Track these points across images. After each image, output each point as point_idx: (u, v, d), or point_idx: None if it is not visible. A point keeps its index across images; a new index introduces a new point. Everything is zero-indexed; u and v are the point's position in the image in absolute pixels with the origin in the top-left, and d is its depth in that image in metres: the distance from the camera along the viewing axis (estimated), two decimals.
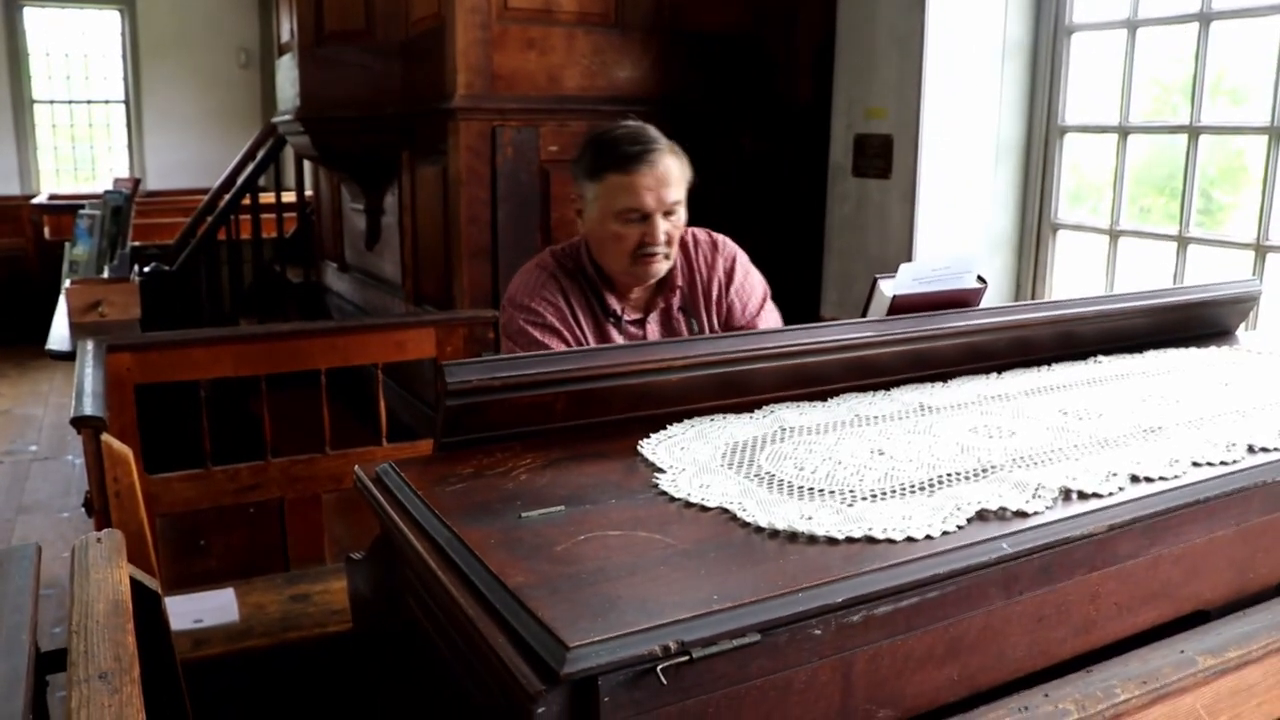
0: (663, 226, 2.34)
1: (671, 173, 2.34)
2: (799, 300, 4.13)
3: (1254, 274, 3.38)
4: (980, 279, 2.21)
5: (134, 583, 1.67)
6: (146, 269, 6.32)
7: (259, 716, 2.76)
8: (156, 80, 11.14)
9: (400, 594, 1.60)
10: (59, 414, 7.09)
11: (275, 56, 5.56)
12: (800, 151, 4.58)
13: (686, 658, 1.10)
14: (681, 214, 2.39)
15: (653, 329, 2.48)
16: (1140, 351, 2.34)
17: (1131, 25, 3.75)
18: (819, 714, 1.24)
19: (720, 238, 2.61)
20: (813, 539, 1.34)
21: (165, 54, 11.08)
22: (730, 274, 2.56)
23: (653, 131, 2.38)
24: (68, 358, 3.49)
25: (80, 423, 2.44)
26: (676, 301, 2.51)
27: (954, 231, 4.01)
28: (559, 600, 1.16)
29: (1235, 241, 3.54)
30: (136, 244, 6.62)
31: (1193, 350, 2.38)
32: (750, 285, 2.58)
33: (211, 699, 2.63)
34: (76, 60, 11.13)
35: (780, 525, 1.37)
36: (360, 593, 1.87)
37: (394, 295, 5.12)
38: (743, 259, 2.60)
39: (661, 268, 2.41)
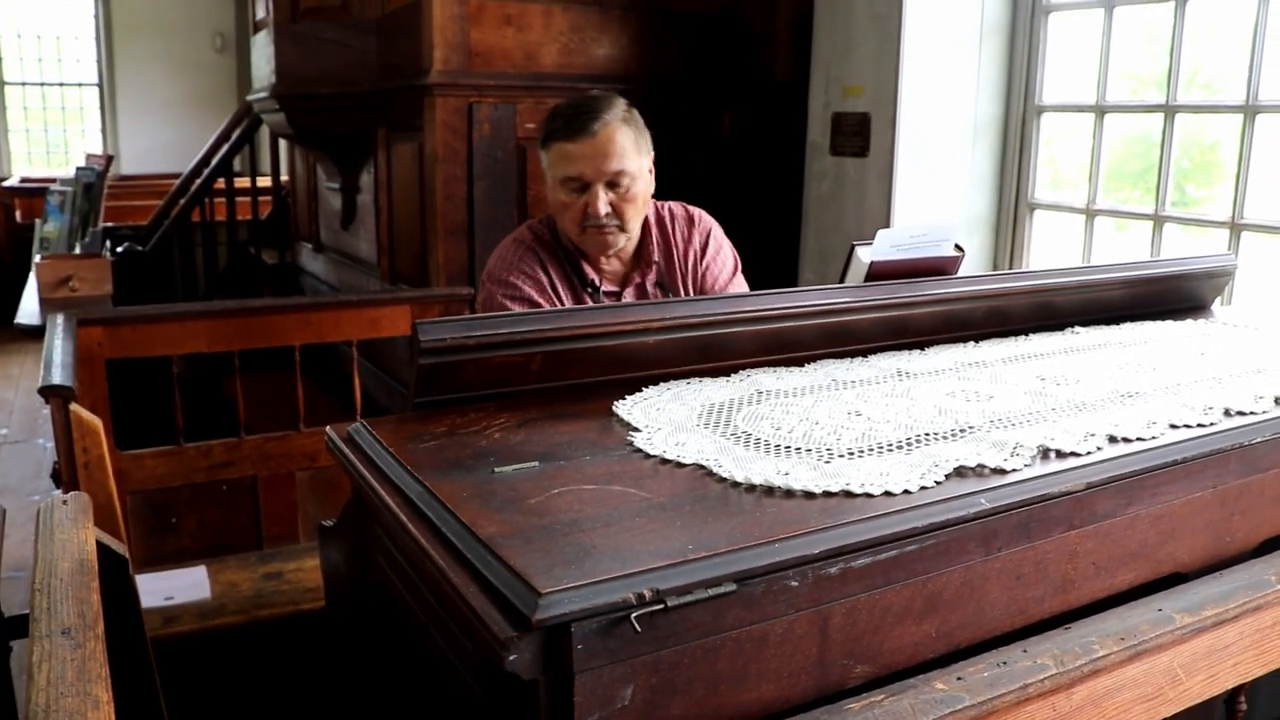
0: (605, 197, 2.30)
1: (614, 143, 2.29)
2: (776, 277, 4.11)
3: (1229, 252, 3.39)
4: (958, 247, 2.20)
5: (101, 547, 1.65)
6: (120, 249, 6.26)
7: (230, 694, 2.74)
8: (130, 63, 11.01)
9: (371, 555, 1.58)
10: (29, 397, 7.01)
11: (251, 38, 5.50)
12: (779, 128, 4.57)
13: (661, 606, 1.09)
14: (634, 187, 2.34)
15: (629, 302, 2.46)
16: (1117, 323, 2.35)
17: (1108, 4, 3.75)
18: (795, 667, 1.23)
19: (696, 211, 2.60)
20: (790, 493, 1.33)
21: (139, 36, 10.95)
22: (705, 246, 2.55)
23: (608, 102, 2.34)
24: (37, 333, 3.44)
25: (49, 392, 2.41)
26: (653, 277, 2.49)
27: (931, 210, 4.00)
28: (532, 549, 1.14)
29: (1210, 220, 3.56)
30: (110, 225, 6.57)
31: (1169, 323, 2.38)
32: (723, 258, 2.58)
33: (183, 676, 2.61)
34: (49, 42, 11.00)
35: (757, 480, 1.36)
36: (333, 562, 1.85)
37: (370, 275, 5.08)
38: (717, 232, 2.60)
39: (614, 240, 2.38)
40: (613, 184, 2.31)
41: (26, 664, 1.19)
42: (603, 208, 2.31)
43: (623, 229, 2.37)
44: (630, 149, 2.32)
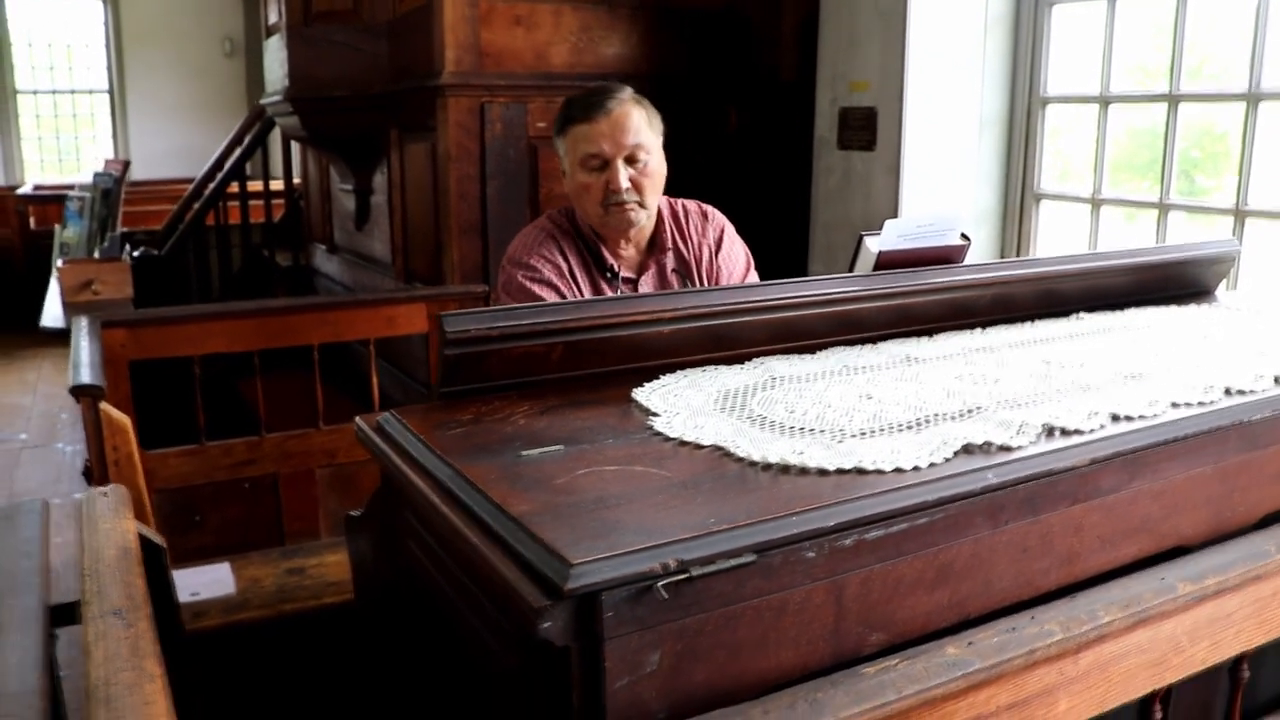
0: (625, 173, 2.40)
1: (630, 120, 2.40)
2: (785, 271, 4.15)
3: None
4: (964, 236, 2.25)
5: (140, 536, 1.71)
6: (135, 254, 6.32)
7: (255, 687, 2.80)
8: (140, 69, 11.07)
9: (401, 541, 1.64)
10: (47, 403, 7.09)
11: (261, 44, 5.57)
12: (785, 125, 4.62)
13: (686, 575, 1.14)
14: (650, 162, 2.43)
15: (646, 288, 2.52)
16: (1121, 309, 2.39)
17: None
18: (812, 635, 1.29)
19: (709, 209, 2.67)
20: (804, 471, 1.38)
21: (149, 43, 11.01)
22: (719, 242, 2.62)
23: (617, 86, 2.47)
24: (62, 335, 3.51)
25: (79, 391, 2.46)
26: (670, 263, 2.56)
27: (938, 203, 4.05)
28: (561, 525, 1.20)
29: (1215, 208, 3.60)
30: (124, 230, 6.64)
31: (1172, 308, 2.43)
32: (735, 254, 2.64)
33: (209, 670, 2.66)
34: (60, 50, 11.06)
35: (773, 459, 1.41)
36: (360, 552, 1.90)
37: (384, 275, 5.14)
38: (730, 229, 2.66)
39: (636, 217, 2.45)
40: (631, 159, 2.41)
41: (82, 644, 1.25)
42: (623, 181, 2.39)
43: (642, 205, 2.45)
44: (644, 125, 2.43)
